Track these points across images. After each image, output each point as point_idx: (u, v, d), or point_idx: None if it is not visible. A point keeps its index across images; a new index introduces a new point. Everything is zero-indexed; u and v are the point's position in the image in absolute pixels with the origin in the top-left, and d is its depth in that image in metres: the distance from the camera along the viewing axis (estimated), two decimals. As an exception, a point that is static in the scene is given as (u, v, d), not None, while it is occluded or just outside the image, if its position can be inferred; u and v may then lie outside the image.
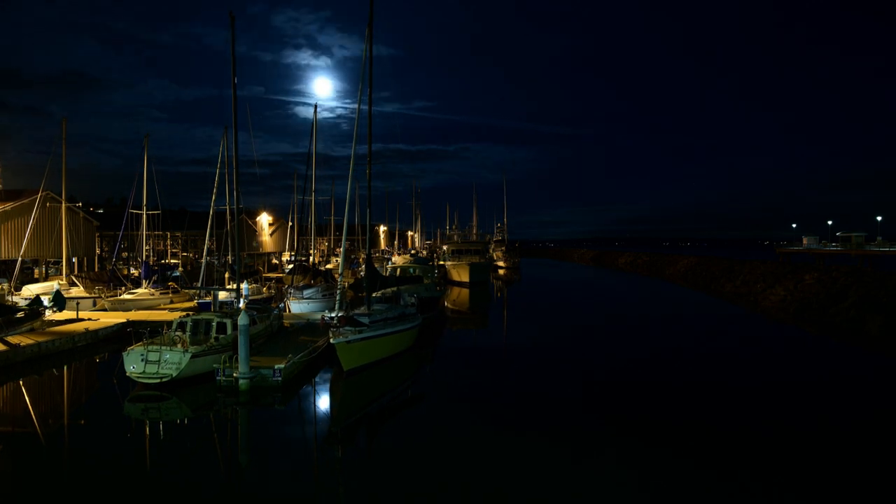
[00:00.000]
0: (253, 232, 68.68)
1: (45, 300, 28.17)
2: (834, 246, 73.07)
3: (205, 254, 38.85)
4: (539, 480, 11.42)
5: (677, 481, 11.47)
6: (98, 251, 56.46)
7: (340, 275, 25.27)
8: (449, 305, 41.09)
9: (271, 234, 75.32)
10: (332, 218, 64.75)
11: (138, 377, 18.12)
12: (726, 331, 32.74)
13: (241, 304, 25.99)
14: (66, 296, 30.65)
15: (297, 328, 26.77)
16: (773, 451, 13.04)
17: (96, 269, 47.12)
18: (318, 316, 28.42)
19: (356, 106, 24.60)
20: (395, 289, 29.13)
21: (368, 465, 12.59)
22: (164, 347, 18.39)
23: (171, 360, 18.18)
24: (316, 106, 43.33)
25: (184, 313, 24.83)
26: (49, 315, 27.68)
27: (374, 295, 25.24)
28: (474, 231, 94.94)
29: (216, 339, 20.10)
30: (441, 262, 67.04)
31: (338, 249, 76.93)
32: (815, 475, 11.83)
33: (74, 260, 46.73)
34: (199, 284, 35.71)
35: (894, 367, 23.16)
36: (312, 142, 42.85)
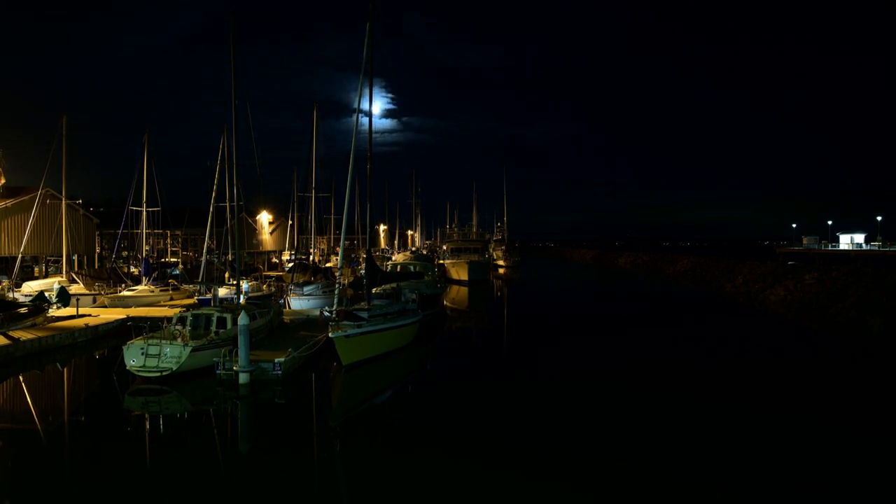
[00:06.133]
0: (253, 230, 68.71)
1: (48, 296, 28.21)
2: (833, 246, 73.20)
3: (205, 252, 38.93)
4: (538, 478, 11.43)
5: (677, 479, 11.49)
6: (98, 249, 56.49)
7: (340, 269, 25.26)
8: (448, 304, 41.07)
9: (271, 233, 75.39)
10: (333, 216, 64.51)
11: (138, 371, 18.14)
12: (727, 329, 32.75)
13: (242, 300, 26.04)
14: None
15: (297, 324, 26.79)
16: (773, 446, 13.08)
17: (96, 267, 47.14)
18: (318, 312, 28.41)
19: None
20: (395, 285, 29.08)
21: (367, 460, 12.58)
22: (164, 341, 18.39)
23: (171, 354, 18.18)
24: (316, 104, 43.53)
25: (183, 309, 24.84)
26: (52, 311, 27.70)
27: (374, 291, 25.20)
28: (474, 229, 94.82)
29: (216, 333, 20.11)
30: (441, 262, 66.79)
31: (337, 248, 76.83)
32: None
33: (74, 257, 46.73)
34: (199, 281, 35.81)
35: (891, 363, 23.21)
36: (312, 141, 43.00)
